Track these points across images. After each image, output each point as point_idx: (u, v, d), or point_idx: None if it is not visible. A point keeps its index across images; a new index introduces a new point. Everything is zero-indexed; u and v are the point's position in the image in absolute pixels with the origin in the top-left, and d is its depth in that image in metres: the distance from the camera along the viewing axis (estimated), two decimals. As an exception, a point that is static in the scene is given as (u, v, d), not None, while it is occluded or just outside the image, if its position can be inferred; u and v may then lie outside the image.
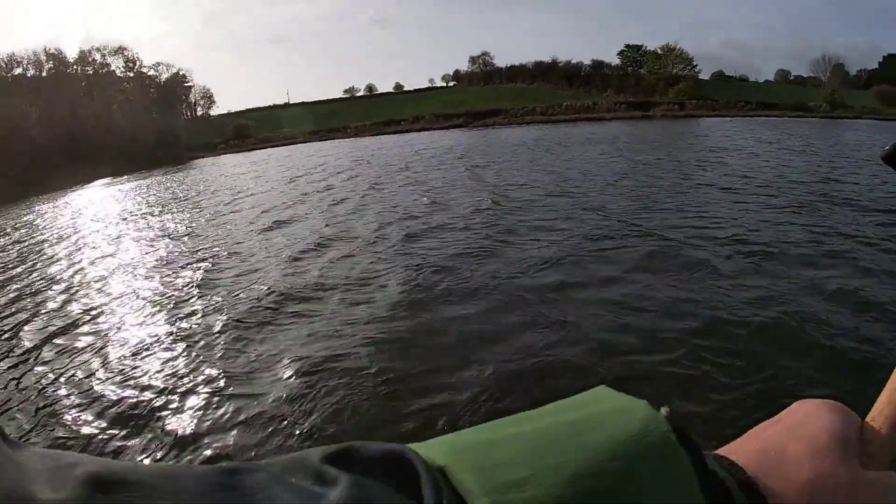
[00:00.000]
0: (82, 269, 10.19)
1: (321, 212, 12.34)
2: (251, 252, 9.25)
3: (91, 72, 72.27)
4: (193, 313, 6.54)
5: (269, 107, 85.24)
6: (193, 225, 13.27)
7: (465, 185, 14.50)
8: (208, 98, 76.95)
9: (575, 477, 0.29)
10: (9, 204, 32.00)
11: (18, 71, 69.97)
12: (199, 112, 76.26)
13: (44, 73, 70.56)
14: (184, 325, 6.21)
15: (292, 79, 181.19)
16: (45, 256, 12.35)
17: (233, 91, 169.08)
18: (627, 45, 76.26)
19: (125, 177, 45.14)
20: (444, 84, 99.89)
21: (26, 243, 15.32)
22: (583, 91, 73.32)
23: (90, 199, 29.02)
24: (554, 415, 0.34)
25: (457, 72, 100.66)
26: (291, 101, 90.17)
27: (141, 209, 18.87)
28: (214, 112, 77.05)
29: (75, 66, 72.13)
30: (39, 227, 18.26)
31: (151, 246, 11.48)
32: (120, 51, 73.23)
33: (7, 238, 16.71)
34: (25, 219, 22.99)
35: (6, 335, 6.85)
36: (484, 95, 75.72)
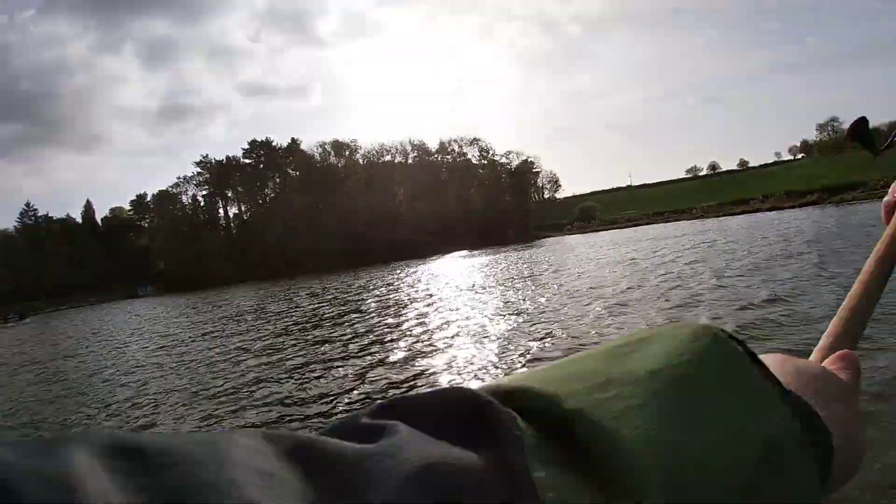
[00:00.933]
0: (427, 321, 13.07)
1: (653, 301, 11.93)
2: (579, 334, 9.55)
3: (450, 159, 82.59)
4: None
5: (613, 189, 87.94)
6: (533, 300, 14.29)
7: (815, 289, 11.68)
8: (554, 182, 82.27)
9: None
10: (381, 267, 41.41)
11: (387, 158, 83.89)
12: (546, 195, 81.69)
13: (409, 160, 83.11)
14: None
15: (633, 161, 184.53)
16: (399, 307, 16.57)
17: (577, 175, 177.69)
18: None
19: (479, 251, 49.98)
20: (792, 157, 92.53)
21: (387, 297, 21.01)
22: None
23: (449, 267, 34.32)
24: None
25: (804, 142, 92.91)
26: (634, 184, 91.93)
27: (488, 280, 21.65)
28: (560, 195, 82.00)
29: (436, 155, 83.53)
30: (401, 286, 24.62)
31: (491, 312, 13.26)
32: (475, 142, 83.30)
33: (374, 292, 23.97)
34: (391, 279, 30.61)
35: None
36: (838, 166, 67.87)
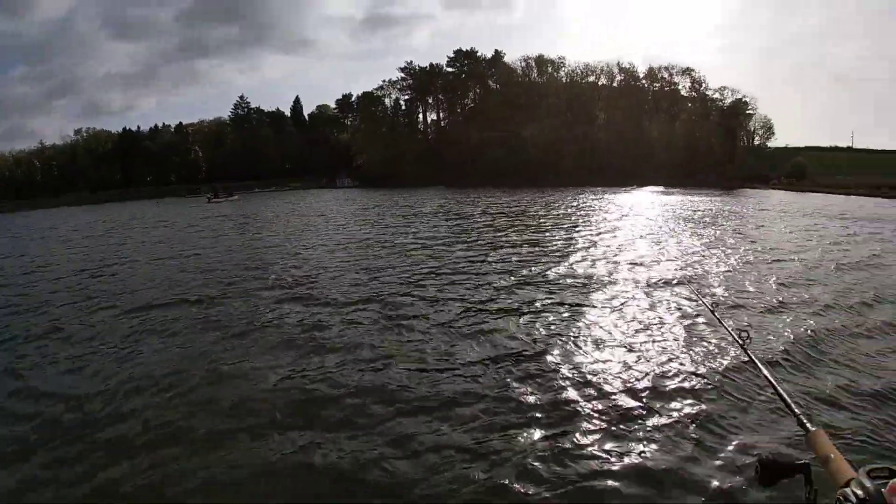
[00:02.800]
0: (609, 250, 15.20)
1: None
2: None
3: (657, 88, 79.81)
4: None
5: (830, 148, 78.28)
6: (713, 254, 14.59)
7: None
8: (768, 129, 75.06)
9: None
10: (571, 190, 45.86)
11: (591, 79, 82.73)
12: (757, 142, 75.35)
13: (614, 84, 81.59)
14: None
15: (858, 122, 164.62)
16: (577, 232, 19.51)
17: (792, 125, 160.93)
18: None
19: (675, 189, 49.21)
20: None
21: (558, 218, 24.48)
22: None
23: (639, 200, 36.95)
24: None
25: None
26: (855, 146, 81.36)
27: (675, 224, 22.21)
28: (772, 144, 74.86)
29: (643, 81, 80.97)
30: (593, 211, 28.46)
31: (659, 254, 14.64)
32: (687, 72, 78.31)
33: (554, 213, 27.58)
34: (578, 203, 33.60)
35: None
36: None
